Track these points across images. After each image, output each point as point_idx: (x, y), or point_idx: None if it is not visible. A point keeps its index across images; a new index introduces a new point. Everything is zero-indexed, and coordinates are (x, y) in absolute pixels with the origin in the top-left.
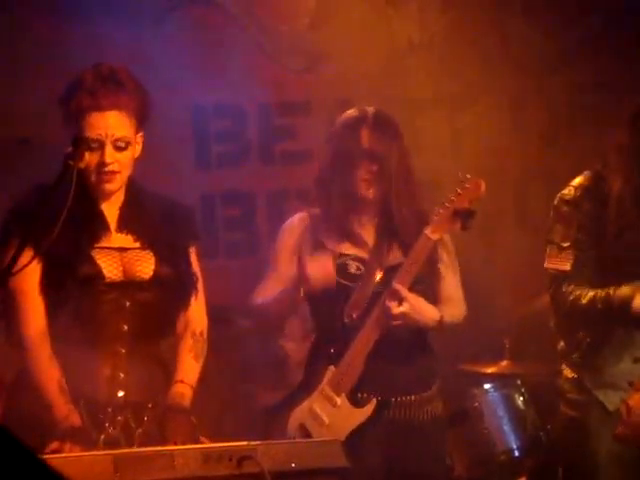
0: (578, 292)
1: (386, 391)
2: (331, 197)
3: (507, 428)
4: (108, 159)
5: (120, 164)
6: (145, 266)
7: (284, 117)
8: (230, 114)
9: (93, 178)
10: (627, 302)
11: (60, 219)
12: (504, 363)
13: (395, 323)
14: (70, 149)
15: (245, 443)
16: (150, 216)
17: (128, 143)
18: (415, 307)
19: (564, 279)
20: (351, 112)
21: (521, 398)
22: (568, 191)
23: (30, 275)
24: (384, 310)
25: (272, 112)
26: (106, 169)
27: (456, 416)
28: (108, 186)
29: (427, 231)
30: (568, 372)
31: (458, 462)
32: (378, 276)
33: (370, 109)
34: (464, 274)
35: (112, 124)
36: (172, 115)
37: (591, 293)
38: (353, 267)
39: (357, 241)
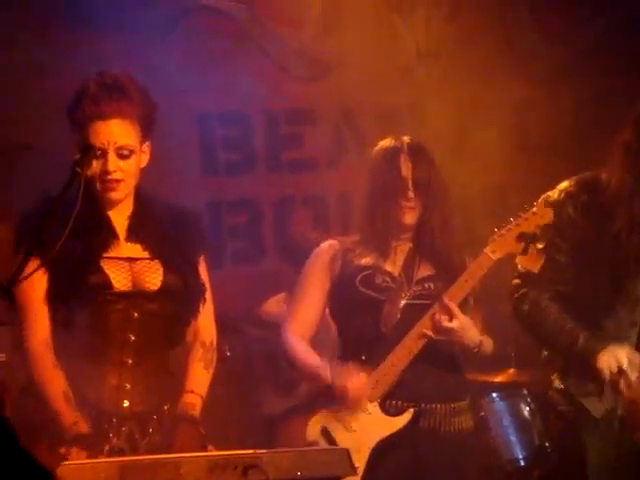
0: (540, 300)
1: (420, 400)
2: (375, 224)
3: (513, 437)
4: (111, 167)
5: (124, 172)
6: (154, 277)
7: (290, 125)
8: (237, 122)
9: (98, 186)
10: (591, 355)
11: (67, 227)
12: (510, 372)
13: (441, 337)
14: (78, 156)
15: (251, 451)
16: (159, 225)
17: (132, 151)
18: (464, 325)
19: (530, 280)
20: (387, 142)
21: (527, 408)
22: (552, 193)
23: (36, 284)
24: (433, 323)
25: (278, 120)
26: (109, 177)
27: None
28: (113, 194)
29: (487, 250)
30: (557, 382)
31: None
32: (408, 289)
33: (405, 138)
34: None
35: (115, 132)
36: (179, 123)
37: (553, 310)
38: (379, 279)
39: (387, 257)
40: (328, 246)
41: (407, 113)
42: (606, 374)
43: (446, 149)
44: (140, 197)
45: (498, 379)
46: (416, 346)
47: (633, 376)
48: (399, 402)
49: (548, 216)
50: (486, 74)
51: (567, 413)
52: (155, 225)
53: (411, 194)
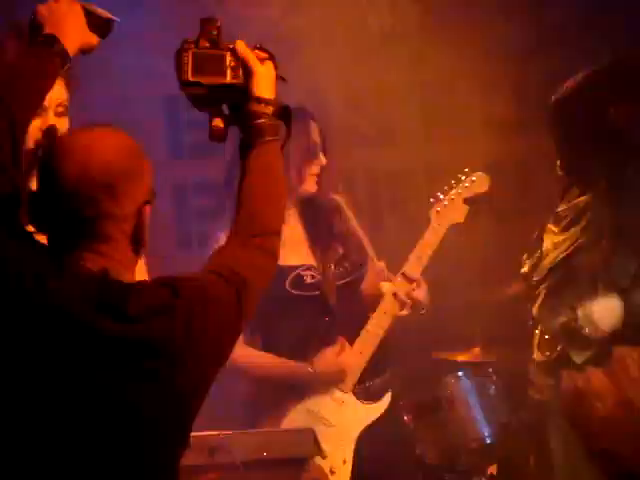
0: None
1: (393, 383)
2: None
3: (478, 416)
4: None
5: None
6: None
7: None
8: None
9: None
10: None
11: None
12: (476, 351)
13: (411, 312)
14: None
15: (217, 433)
16: None
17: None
18: (426, 292)
19: None
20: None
21: (493, 386)
22: None
23: None
24: (399, 301)
25: None
26: None
27: (428, 404)
28: None
29: (433, 222)
30: (538, 355)
31: (429, 450)
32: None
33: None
34: (437, 263)
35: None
36: (144, 105)
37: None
38: (308, 277)
39: (299, 250)
40: None
41: (373, 94)
42: None
43: (413, 130)
44: None
45: (464, 358)
46: (382, 328)
47: None
48: (375, 388)
49: (486, 184)
50: (452, 55)
51: (545, 384)
52: None
53: (322, 159)
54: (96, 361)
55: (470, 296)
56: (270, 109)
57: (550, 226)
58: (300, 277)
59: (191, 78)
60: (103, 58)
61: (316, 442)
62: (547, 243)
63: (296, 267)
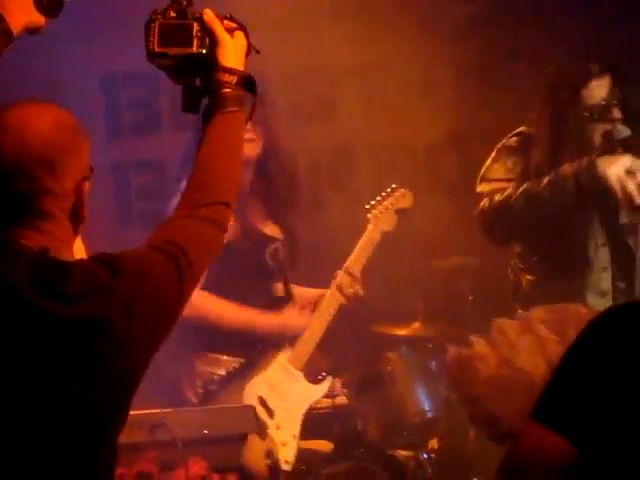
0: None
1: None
2: None
3: (420, 390)
4: None
5: None
6: None
7: None
8: (141, 82)
9: None
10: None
11: None
12: (416, 325)
13: (351, 303)
14: None
15: (157, 410)
16: None
17: None
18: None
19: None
20: None
21: (433, 361)
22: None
23: None
24: (342, 292)
25: None
26: None
27: (369, 380)
28: None
29: (370, 227)
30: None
31: (372, 426)
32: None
33: None
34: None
35: None
36: (82, 83)
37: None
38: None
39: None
40: None
41: (314, 74)
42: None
43: (355, 109)
44: None
45: (404, 332)
46: (329, 315)
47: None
48: (319, 370)
49: (410, 200)
50: (392, 33)
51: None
52: None
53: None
54: (36, 340)
55: (411, 270)
56: (234, 79)
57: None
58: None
59: (157, 49)
60: (40, 36)
61: (255, 419)
62: None
63: (274, 239)
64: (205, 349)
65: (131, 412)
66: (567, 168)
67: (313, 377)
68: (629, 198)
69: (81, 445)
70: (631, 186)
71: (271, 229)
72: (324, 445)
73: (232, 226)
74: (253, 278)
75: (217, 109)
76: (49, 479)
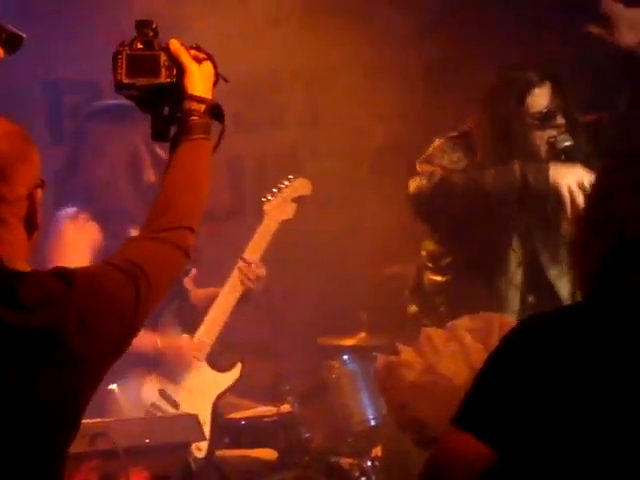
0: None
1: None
2: None
3: (364, 399)
4: None
5: None
6: None
7: None
8: (83, 89)
9: None
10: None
11: None
12: (362, 335)
13: (253, 286)
14: None
15: (99, 420)
16: None
17: None
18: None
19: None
20: None
21: None
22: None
23: None
24: (243, 279)
25: None
26: None
27: (314, 388)
28: None
29: (266, 218)
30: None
31: (317, 434)
32: None
33: None
34: (321, 248)
35: None
36: (24, 90)
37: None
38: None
39: None
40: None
41: (258, 81)
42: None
43: (299, 116)
44: None
45: (349, 342)
46: (233, 300)
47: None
48: (226, 358)
49: (309, 187)
50: (337, 41)
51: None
52: None
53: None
54: None
55: (356, 280)
56: (202, 107)
57: None
58: None
59: (125, 80)
60: None
61: (199, 427)
62: None
63: None
64: None
65: None
66: (516, 165)
67: (220, 365)
68: (577, 210)
69: (31, 453)
70: (580, 199)
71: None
72: (268, 453)
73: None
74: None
75: (184, 136)
76: None
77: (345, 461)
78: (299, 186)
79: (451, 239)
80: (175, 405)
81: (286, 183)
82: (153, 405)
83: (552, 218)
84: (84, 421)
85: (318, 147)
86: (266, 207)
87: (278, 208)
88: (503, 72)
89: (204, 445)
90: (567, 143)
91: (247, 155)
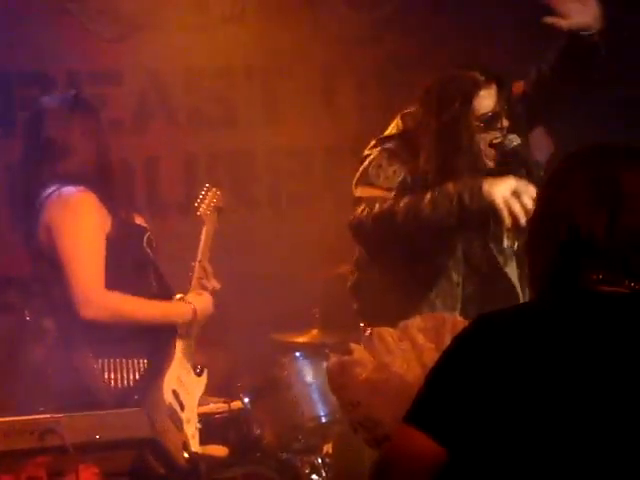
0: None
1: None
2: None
3: (315, 396)
4: None
5: None
6: None
7: (94, 86)
8: (37, 82)
9: None
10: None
11: None
12: (314, 332)
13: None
14: None
15: (48, 416)
16: None
17: None
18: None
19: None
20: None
21: None
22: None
23: None
24: (201, 285)
25: (81, 80)
26: None
27: (265, 385)
28: None
29: (208, 225)
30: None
31: (268, 430)
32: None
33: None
34: (275, 245)
35: None
36: None
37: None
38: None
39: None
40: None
41: (214, 78)
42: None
43: (254, 115)
44: None
45: (302, 339)
46: None
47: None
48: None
49: (220, 199)
50: (291, 39)
51: None
52: None
53: None
54: None
55: (308, 278)
56: None
57: None
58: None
59: None
60: None
61: (149, 422)
62: None
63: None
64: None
65: (20, 418)
66: (451, 187)
67: (196, 370)
68: (515, 220)
69: None
70: (517, 207)
71: (140, 219)
72: (220, 450)
73: (107, 221)
74: (138, 269)
75: None
76: None
77: (296, 458)
78: (217, 197)
79: (388, 261)
80: (182, 407)
81: (205, 190)
82: (169, 406)
83: (495, 231)
84: (32, 417)
85: (272, 145)
86: (201, 213)
87: (210, 215)
88: (447, 71)
89: (200, 449)
90: (515, 143)
91: (201, 151)
